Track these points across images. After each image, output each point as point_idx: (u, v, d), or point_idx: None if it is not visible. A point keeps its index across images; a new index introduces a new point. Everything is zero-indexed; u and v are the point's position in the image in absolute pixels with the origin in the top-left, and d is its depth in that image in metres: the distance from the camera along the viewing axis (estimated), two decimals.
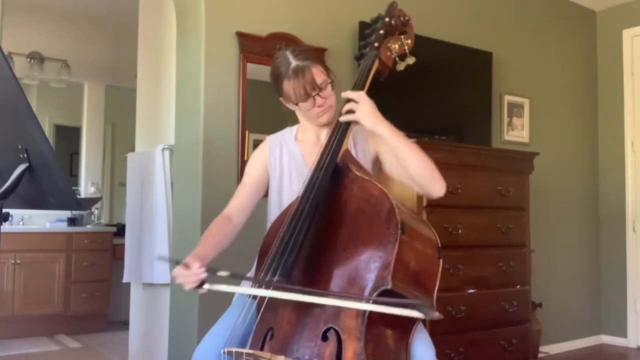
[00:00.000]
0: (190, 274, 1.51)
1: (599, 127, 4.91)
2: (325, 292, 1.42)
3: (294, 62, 1.78)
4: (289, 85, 1.79)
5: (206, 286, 1.52)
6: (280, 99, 1.87)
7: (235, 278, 1.54)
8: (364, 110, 1.66)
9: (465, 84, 3.89)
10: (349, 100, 1.69)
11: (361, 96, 1.68)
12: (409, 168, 1.68)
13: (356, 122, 1.68)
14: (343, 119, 1.69)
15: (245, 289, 1.58)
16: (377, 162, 1.88)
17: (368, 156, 1.87)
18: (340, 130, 1.69)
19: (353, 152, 1.82)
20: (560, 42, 4.67)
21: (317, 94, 1.78)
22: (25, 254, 4.67)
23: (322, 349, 1.41)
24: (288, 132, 1.98)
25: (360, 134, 1.89)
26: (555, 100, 4.61)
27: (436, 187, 1.69)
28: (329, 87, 1.81)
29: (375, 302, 1.30)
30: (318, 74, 1.78)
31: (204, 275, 1.51)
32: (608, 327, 4.76)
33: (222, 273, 1.50)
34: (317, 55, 1.93)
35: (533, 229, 3.62)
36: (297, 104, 1.81)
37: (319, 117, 1.83)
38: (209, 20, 2.97)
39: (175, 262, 1.53)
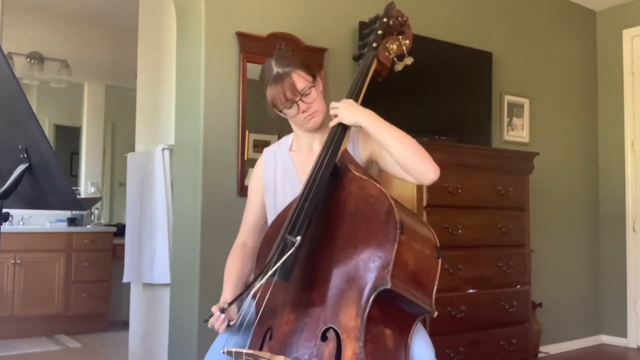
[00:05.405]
0: (216, 320, 1.66)
1: (599, 127, 4.91)
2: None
3: (275, 69, 1.77)
4: (270, 92, 1.78)
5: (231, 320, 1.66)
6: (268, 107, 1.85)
7: (240, 296, 1.64)
8: (342, 109, 1.69)
9: (465, 84, 3.89)
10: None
11: (340, 101, 1.73)
12: (394, 154, 1.66)
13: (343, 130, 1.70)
14: (332, 123, 1.72)
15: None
16: (370, 163, 1.84)
17: (360, 157, 1.83)
18: (336, 135, 1.68)
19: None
20: (560, 42, 4.67)
21: (300, 99, 1.77)
22: (25, 254, 4.68)
23: (321, 349, 1.41)
24: (284, 142, 1.96)
25: (353, 137, 1.87)
26: (555, 100, 4.61)
27: (427, 171, 1.63)
28: (313, 92, 1.79)
29: None
30: (299, 80, 1.77)
31: (222, 316, 1.64)
32: (608, 327, 4.76)
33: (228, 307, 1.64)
34: (302, 60, 1.85)
35: (533, 229, 3.62)
36: (281, 111, 1.80)
37: (306, 123, 1.81)
38: (209, 20, 2.97)
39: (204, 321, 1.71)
